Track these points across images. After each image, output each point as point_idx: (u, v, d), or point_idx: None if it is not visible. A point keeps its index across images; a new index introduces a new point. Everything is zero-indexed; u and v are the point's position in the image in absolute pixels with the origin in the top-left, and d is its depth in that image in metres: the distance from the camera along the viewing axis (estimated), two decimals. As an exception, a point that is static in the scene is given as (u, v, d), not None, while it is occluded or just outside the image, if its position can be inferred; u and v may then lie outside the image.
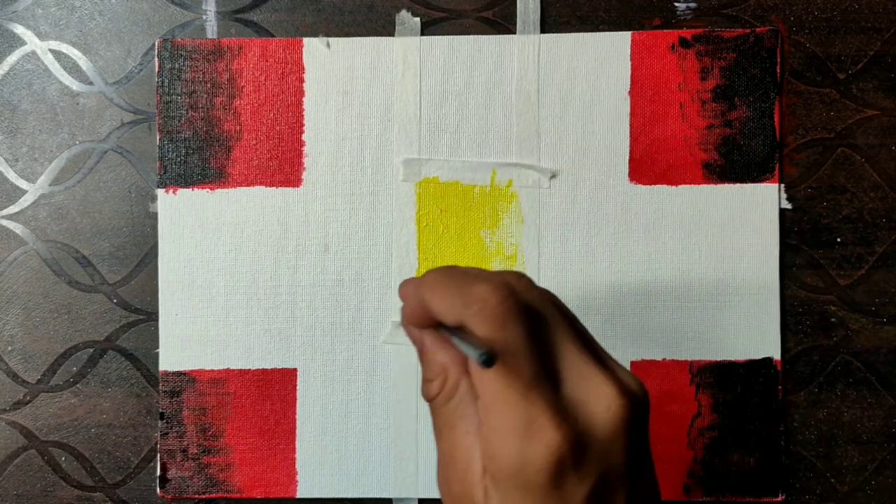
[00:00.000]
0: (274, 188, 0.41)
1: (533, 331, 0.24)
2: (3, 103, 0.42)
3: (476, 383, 0.25)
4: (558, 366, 0.25)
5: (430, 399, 0.27)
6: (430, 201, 0.41)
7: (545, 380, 0.24)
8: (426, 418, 0.41)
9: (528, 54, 0.41)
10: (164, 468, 0.41)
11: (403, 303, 0.28)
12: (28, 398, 0.42)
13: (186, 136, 0.41)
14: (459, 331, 0.25)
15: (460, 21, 0.42)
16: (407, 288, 0.28)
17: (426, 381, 0.27)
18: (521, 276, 0.26)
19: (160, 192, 0.41)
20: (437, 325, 0.27)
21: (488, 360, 0.22)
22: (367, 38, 0.41)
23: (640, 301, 0.41)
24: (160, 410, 0.41)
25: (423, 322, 0.27)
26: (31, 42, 0.42)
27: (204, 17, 0.42)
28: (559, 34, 0.41)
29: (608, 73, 0.41)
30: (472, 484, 0.25)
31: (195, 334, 0.41)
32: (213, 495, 0.41)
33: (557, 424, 0.23)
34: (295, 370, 0.41)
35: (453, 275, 0.26)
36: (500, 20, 0.41)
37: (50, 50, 0.42)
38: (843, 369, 0.41)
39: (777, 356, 0.41)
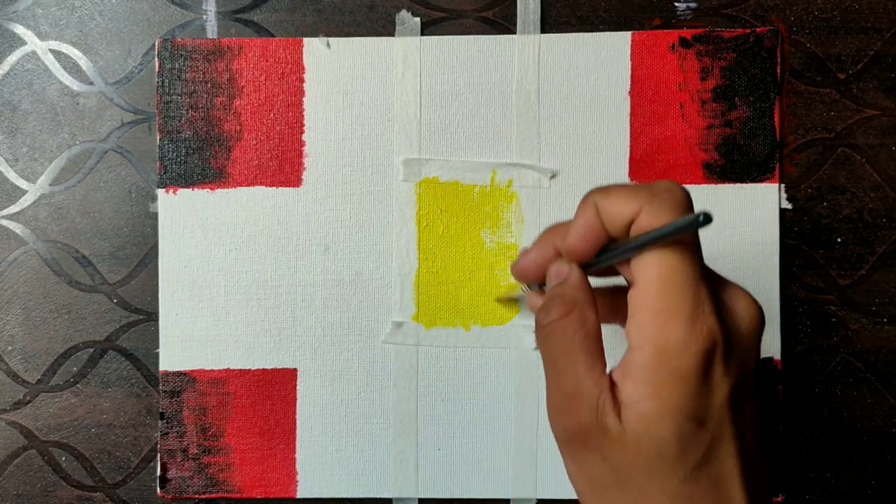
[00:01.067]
0: (274, 188, 0.41)
1: None
2: (4, 103, 0.42)
3: (641, 271, 0.25)
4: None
5: (547, 322, 0.27)
6: (430, 201, 0.41)
7: (708, 276, 0.25)
8: (427, 418, 0.41)
9: (528, 54, 0.41)
10: (164, 468, 0.41)
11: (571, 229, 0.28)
12: (28, 398, 0.42)
13: (186, 136, 0.41)
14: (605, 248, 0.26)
15: (460, 21, 0.42)
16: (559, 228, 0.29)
17: (546, 306, 0.27)
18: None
19: (160, 192, 0.41)
20: (584, 260, 0.27)
21: (707, 217, 0.23)
22: (368, 38, 0.41)
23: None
24: (160, 410, 0.41)
25: (592, 240, 0.27)
26: (32, 42, 0.42)
27: (204, 17, 0.42)
28: (559, 34, 0.41)
29: (608, 73, 0.41)
30: (605, 412, 0.25)
31: (195, 334, 0.41)
32: (214, 495, 0.41)
33: (718, 316, 0.25)
34: (295, 370, 0.41)
35: (624, 186, 0.27)
36: (501, 20, 0.41)
37: (50, 50, 0.42)
38: (844, 369, 0.41)
39: (777, 356, 0.41)
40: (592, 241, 0.27)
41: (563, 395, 0.26)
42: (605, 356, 0.26)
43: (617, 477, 0.25)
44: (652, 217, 0.25)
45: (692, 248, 0.25)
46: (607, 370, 0.26)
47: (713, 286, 0.26)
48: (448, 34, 0.41)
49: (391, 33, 0.41)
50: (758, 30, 0.41)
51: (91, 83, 0.42)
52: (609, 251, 0.27)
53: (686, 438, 0.24)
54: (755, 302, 0.26)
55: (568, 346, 0.26)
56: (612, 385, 0.25)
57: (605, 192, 0.26)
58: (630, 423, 0.24)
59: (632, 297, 0.25)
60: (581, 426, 0.25)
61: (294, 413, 0.41)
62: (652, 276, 0.25)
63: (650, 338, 0.24)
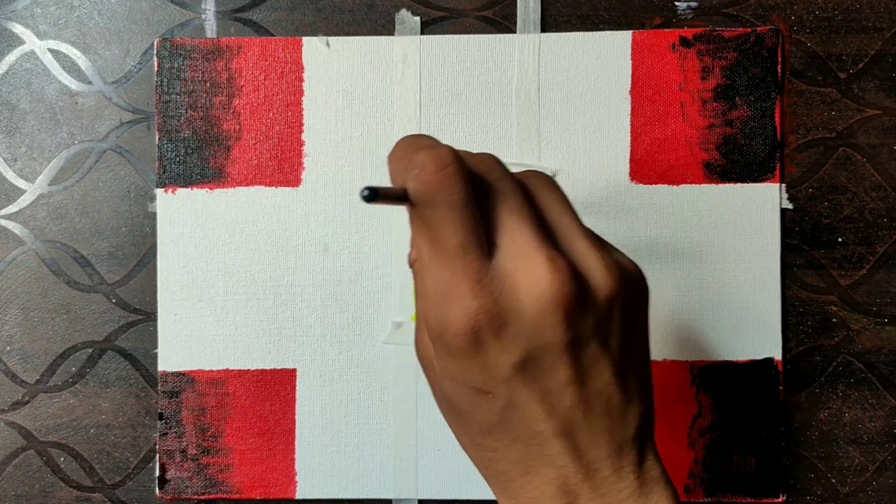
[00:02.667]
0: (273, 188, 0.41)
1: (475, 200, 0.24)
2: (2, 103, 0.42)
3: (413, 246, 0.26)
4: (498, 237, 0.25)
5: (410, 265, 0.27)
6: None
7: (475, 249, 0.24)
8: (426, 419, 0.41)
9: (528, 53, 0.41)
10: (163, 469, 0.41)
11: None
12: (27, 398, 0.42)
13: (185, 135, 0.41)
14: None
15: (460, 20, 0.41)
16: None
17: (410, 248, 0.28)
18: (488, 157, 0.26)
19: (159, 191, 0.41)
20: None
21: (368, 196, 0.22)
22: (367, 38, 0.41)
23: (641, 301, 0.41)
24: (159, 411, 0.41)
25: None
26: (30, 41, 0.42)
27: (203, 16, 0.42)
28: (560, 33, 0.41)
29: (609, 73, 0.41)
30: (429, 346, 0.26)
31: (194, 334, 0.41)
32: (213, 496, 0.41)
33: (475, 294, 0.24)
34: (294, 370, 0.41)
35: (410, 141, 0.26)
36: (501, 19, 0.41)
37: (49, 49, 0.42)
38: (845, 370, 0.41)
39: (778, 356, 0.41)
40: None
41: (416, 324, 0.28)
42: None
43: (441, 408, 0.27)
44: (409, 190, 0.24)
45: (452, 222, 0.24)
46: None
47: (501, 254, 0.24)
48: (448, 33, 0.41)
49: (391, 32, 0.41)
50: (758, 29, 0.41)
51: (90, 83, 0.42)
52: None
53: (468, 401, 0.25)
54: (550, 271, 0.24)
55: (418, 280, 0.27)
56: None
57: (391, 153, 0.26)
58: (437, 369, 0.26)
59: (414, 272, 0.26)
60: (418, 354, 0.28)
61: (293, 413, 0.41)
62: (418, 254, 0.25)
63: (423, 316, 0.25)
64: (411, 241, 0.27)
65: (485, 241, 0.25)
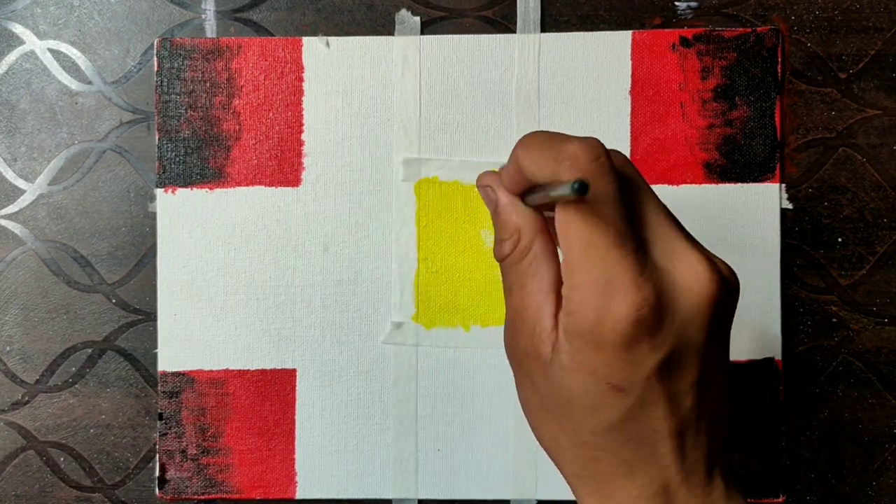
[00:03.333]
0: (273, 188, 0.41)
1: (623, 194, 0.25)
2: (2, 103, 0.42)
3: (562, 239, 0.25)
4: (647, 234, 0.25)
5: (501, 259, 0.27)
6: (429, 201, 0.41)
7: (632, 241, 0.24)
8: (427, 419, 0.41)
9: (528, 53, 0.41)
10: (162, 469, 0.41)
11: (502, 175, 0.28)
12: (26, 398, 0.42)
13: (185, 135, 0.41)
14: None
15: (460, 20, 0.41)
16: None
17: (499, 241, 0.27)
18: (620, 152, 0.27)
19: (159, 191, 0.41)
20: (524, 194, 0.27)
21: (582, 188, 0.21)
22: (367, 38, 0.41)
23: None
24: (159, 411, 0.41)
25: (516, 185, 0.27)
26: (30, 41, 0.42)
27: (203, 16, 0.42)
28: (559, 33, 0.41)
29: (609, 73, 0.41)
30: (541, 339, 0.25)
31: (194, 334, 0.41)
32: (213, 496, 0.41)
33: (639, 286, 0.23)
34: (294, 370, 0.41)
35: (547, 135, 0.26)
36: (501, 19, 0.41)
37: (49, 49, 0.42)
38: (845, 370, 0.41)
39: (778, 356, 0.41)
40: (519, 187, 0.27)
41: (511, 317, 0.27)
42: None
43: (542, 401, 0.26)
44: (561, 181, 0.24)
45: (609, 213, 0.24)
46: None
47: (653, 250, 0.25)
48: (448, 33, 0.41)
49: (391, 32, 0.41)
50: (758, 29, 0.41)
51: (90, 82, 0.42)
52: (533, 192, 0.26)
53: (596, 398, 0.24)
54: (712, 267, 0.25)
55: (517, 271, 0.27)
56: (559, 307, 0.25)
57: (525, 150, 0.26)
58: (560, 360, 0.25)
59: (563, 262, 0.25)
60: (519, 348, 0.26)
61: (293, 413, 0.41)
62: (569, 247, 0.24)
63: (572, 310, 0.24)
64: (502, 232, 0.27)
65: (638, 235, 0.25)
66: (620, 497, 0.25)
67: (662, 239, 0.25)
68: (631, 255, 0.24)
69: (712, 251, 0.40)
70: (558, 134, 0.26)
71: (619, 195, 0.24)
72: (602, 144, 0.24)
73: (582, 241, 0.24)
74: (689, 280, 0.24)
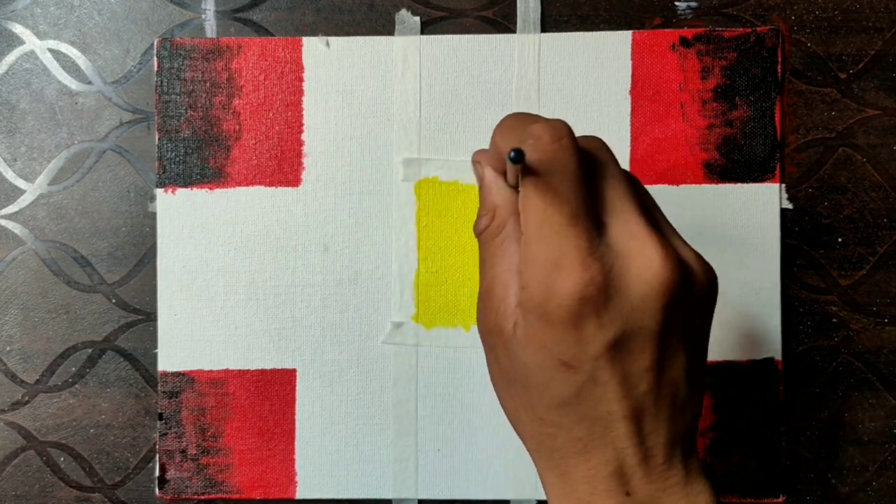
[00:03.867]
0: (273, 188, 0.41)
1: (585, 175, 0.25)
2: (2, 103, 0.42)
3: (521, 216, 0.26)
4: (608, 217, 0.26)
5: (478, 233, 0.28)
6: (429, 201, 0.41)
7: (587, 221, 0.25)
8: (426, 419, 0.41)
9: (528, 54, 0.41)
10: (162, 469, 0.41)
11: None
12: (26, 398, 0.42)
13: (185, 135, 0.41)
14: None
15: (460, 20, 0.41)
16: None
17: (478, 216, 0.28)
18: (598, 139, 0.27)
19: (159, 191, 0.41)
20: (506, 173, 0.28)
21: (517, 156, 0.23)
22: (367, 38, 0.41)
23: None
24: (159, 411, 0.41)
25: (496, 164, 0.28)
26: (30, 41, 0.42)
27: (203, 16, 0.42)
28: (559, 33, 0.41)
29: (609, 73, 0.41)
30: (504, 316, 0.26)
31: (194, 334, 0.41)
32: (212, 496, 0.41)
33: (587, 265, 0.24)
34: (294, 370, 0.41)
35: (519, 116, 0.27)
36: (501, 19, 0.41)
37: (49, 49, 0.42)
38: (845, 370, 0.41)
39: (778, 356, 0.41)
40: (499, 164, 0.28)
41: (481, 294, 0.28)
42: None
43: (505, 375, 0.27)
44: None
45: (565, 192, 0.25)
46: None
47: (610, 233, 0.25)
48: (448, 33, 0.41)
49: (391, 32, 0.41)
50: (758, 29, 0.41)
51: (90, 82, 0.42)
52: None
53: (548, 373, 0.25)
54: (668, 256, 0.25)
55: (489, 249, 0.27)
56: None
57: (500, 128, 0.27)
58: (517, 338, 0.26)
59: (523, 238, 0.26)
60: (487, 324, 0.27)
61: (293, 413, 0.41)
62: (526, 223, 0.25)
63: (525, 284, 0.25)
64: (482, 208, 0.28)
65: (595, 216, 0.25)
66: (576, 475, 0.26)
67: (621, 222, 0.25)
68: (584, 235, 0.24)
69: (712, 251, 0.40)
70: (530, 115, 0.27)
71: (581, 176, 0.25)
72: (567, 126, 0.25)
73: (537, 217, 0.25)
74: (640, 265, 0.25)
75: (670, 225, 0.28)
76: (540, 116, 0.26)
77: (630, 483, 0.26)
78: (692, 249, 0.27)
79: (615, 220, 0.25)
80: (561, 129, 0.25)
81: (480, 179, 0.28)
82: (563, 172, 0.25)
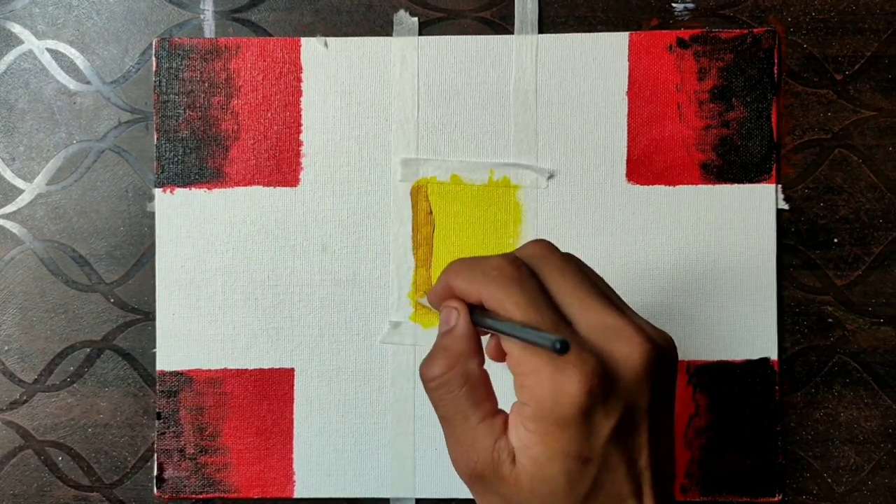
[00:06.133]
0: (271, 188, 0.41)
1: (543, 288, 0.28)
2: (1, 102, 0.42)
3: (504, 344, 0.27)
4: (570, 312, 0.27)
5: (430, 377, 0.29)
6: (427, 201, 0.41)
7: (564, 325, 0.27)
8: (424, 418, 0.41)
9: (526, 54, 0.41)
10: (161, 468, 0.41)
11: (431, 293, 0.31)
12: (25, 398, 0.42)
13: (184, 135, 0.41)
14: (482, 313, 0.28)
15: (458, 21, 0.42)
16: (435, 286, 0.30)
17: (432, 360, 0.29)
18: (536, 243, 0.29)
19: (157, 191, 0.41)
20: (474, 324, 0.29)
21: (563, 346, 0.24)
22: (365, 38, 0.41)
23: (637, 301, 0.41)
24: (157, 410, 0.41)
25: (440, 303, 0.30)
26: (29, 41, 0.42)
27: (202, 16, 0.42)
28: (557, 34, 0.41)
29: (606, 74, 0.41)
30: (500, 460, 0.27)
31: (192, 334, 0.41)
32: (210, 495, 0.41)
33: (584, 360, 0.26)
34: (292, 370, 0.41)
35: (470, 259, 0.29)
36: (498, 20, 0.41)
37: (47, 49, 0.42)
38: (840, 370, 0.41)
39: (774, 356, 0.41)
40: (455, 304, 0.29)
41: (460, 447, 0.28)
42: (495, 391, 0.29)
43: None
44: (493, 302, 0.27)
45: (544, 307, 0.27)
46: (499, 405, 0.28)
47: (580, 329, 0.27)
48: (446, 34, 0.41)
49: (389, 33, 0.41)
50: (755, 30, 0.41)
51: (88, 82, 0.42)
52: (482, 318, 0.28)
53: (573, 475, 0.26)
54: (643, 341, 0.27)
55: (455, 402, 0.28)
56: (506, 426, 0.27)
57: (455, 272, 0.29)
58: (524, 466, 0.27)
59: (509, 362, 0.27)
60: (480, 472, 0.27)
61: (291, 413, 0.41)
62: (513, 347, 0.27)
63: (527, 399, 0.26)
64: (441, 354, 0.29)
65: (563, 317, 0.27)
66: None
67: (587, 314, 0.27)
68: (569, 336, 0.26)
69: (709, 252, 0.40)
70: (477, 257, 0.29)
71: (540, 290, 0.27)
72: (516, 256, 0.28)
73: (517, 341, 0.27)
74: (625, 351, 0.26)
75: (619, 298, 0.29)
76: (487, 257, 0.28)
77: None
78: (648, 322, 0.28)
79: (580, 315, 0.27)
80: (516, 259, 0.28)
81: (449, 325, 0.29)
82: (532, 291, 0.27)
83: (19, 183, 0.42)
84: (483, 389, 0.28)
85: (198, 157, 0.41)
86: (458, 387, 0.28)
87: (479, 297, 0.28)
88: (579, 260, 0.29)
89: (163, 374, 0.41)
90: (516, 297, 0.27)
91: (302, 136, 0.41)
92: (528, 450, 0.26)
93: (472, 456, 0.28)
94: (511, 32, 0.41)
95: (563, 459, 0.26)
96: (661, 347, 0.27)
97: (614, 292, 0.29)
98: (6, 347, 0.42)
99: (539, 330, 0.26)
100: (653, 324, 0.28)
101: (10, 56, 0.42)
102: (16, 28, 0.42)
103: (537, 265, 0.28)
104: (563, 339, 0.24)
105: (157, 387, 0.41)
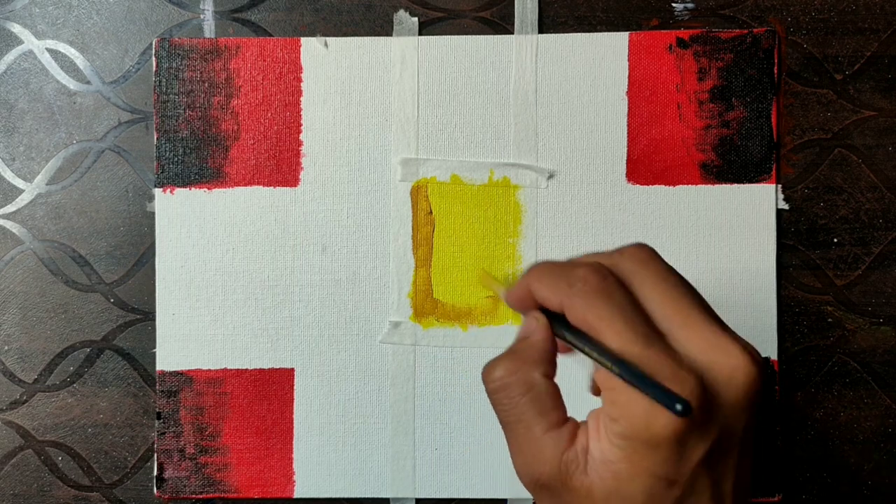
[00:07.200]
0: (271, 188, 0.41)
1: (633, 299, 0.26)
2: (0, 102, 0.42)
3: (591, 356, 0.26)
4: (670, 327, 0.25)
5: (493, 379, 0.27)
6: (427, 201, 0.41)
7: (659, 341, 0.25)
8: (423, 418, 0.41)
9: (525, 54, 0.41)
10: (160, 468, 0.41)
11: (511, 294, 0.29)
12: (25, 398, 0.42)
13: (184, 135, 0.41)
14: (565, 327, 0.26)
15: (458, 21, 0.42)
16: (512, 291, 0.29)
17: (498, 363, 0.27)
18: (632, 247, 0.27)
19: (157, 191, 0.41)
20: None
21: (686, 409, 0.23)
22: (365, 38, 0.41)
23: (638, 301, 0.41)
24: (157, 410, 0.41)
25: (521, 307, 0.28)
26: (29, 41, 0.42)
27: (202, 16, 0.42)
28: (557, 34, 0.41)
29: (606, 74, 0.41)
30: (568, 472, 0.25)
31: (192, 334, 0.41)
32: (210, 495, 0.41)
33: (682, 380, 0.24)
34: (292, 370, 0.41)
35: (554, 264, 0.27)
36: (498, 20, 0.41)
37: (47, 49, 0.42)
38: (840, 370, 0.41)
39: (774, 356, 0.41)
40: (524, 307, 0.28)
41: (524, 456, 0.26)
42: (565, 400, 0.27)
43: None
44: (576, 316, 0.25)
45: (637, 319, 0.25)
46: (571, 415, 0.27)
47: (682, 343, 0.25)
48: (446, 34, 0.41)
49: (389, 33, 0.41)
50: (755, 30, 0.41)
51: (88, 82, 0.42)
52: (565, 333, 0.27)
53: (655, 497, 0.25)
54: (748, 360, 0.25)
55: (516, 409, 0.27)
56: (575, 435, 0.26)
57: (537, 278, 0.27)
58: (603, 480, 0.25)
59: (596, 374, 0.26)
60: (547, 482, 0.26)
61: (291, 413, 0.41)
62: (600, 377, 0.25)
63: (622, 413, 0.25)
64: (511, 358, 0.27)
65: (659, 332, 0.25)
66: None
67: (688, 330, 0.25)
68: (665, 351, 0.24)
69: (709, 252, 0.40)
70: (563, 262, 0.27)
71: (634, 302, 0.25)
72: (603, 265, 0.26)
73: (617, 348, 0.25)
74: (728, 370, 0.24)
75: (716, 314, 0.27)
76: (574, 260, 0.27)
77: None
78: (744, 340, 0.26)
79: (679, 329, 0.25)
80: (602, 269, 0.26)
81: (527, 335, 0.28)
82: (622, 302, 0.25)
83: (19, 183, 0.42)
84: (550, 400, 0.27)
85: (198, 157, 0.41)
86: (519, 394, 0.27)
87: (562, 308, 0.26)
88: (679, 274, 0.27)
89: (163, 374, 0.41)
90: (602, 311, 0.25)
91: (302, 136, 0.41)
92: (611, 465, 0.25)
93: (536, 467, 0.26)
94: (511, 32, 0.41)
95: (647, 480, 0.25)
96: (761, 369, 0.25)
97: (705, 301, 0.27)
98: (6, 347, 0.42)
99: (651, 378, 0.24)
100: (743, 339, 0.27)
101: (10, 56, 0.42)
102: (16, 28, 0.42)
103: (631, 271, 0.26)
104: (687, 403, 0.23)
105: (157, 387, 0.41)
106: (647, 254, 0.27)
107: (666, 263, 0.27)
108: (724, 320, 0.40)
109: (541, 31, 0.41)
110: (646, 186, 0.41)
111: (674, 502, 0.25)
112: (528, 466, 0.26)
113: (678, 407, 0.23)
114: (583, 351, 0.26)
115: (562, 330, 0.26)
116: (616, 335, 0.25)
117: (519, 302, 0.28)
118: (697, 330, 0.25)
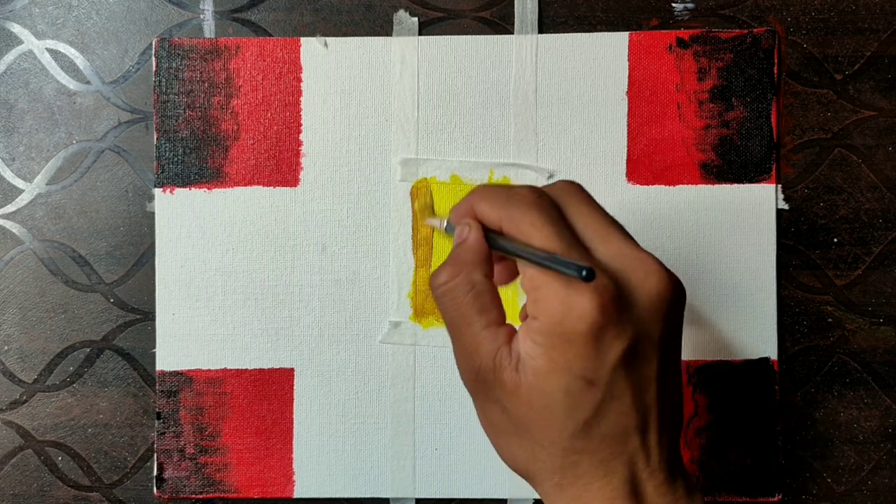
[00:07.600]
0: (271, 188, 0.41)
1: (563, 216, 0.28)
2: (0, 102, 0.42)
3: (519, 264, 0.28)
4: (589, 243, 0.27)
5: (437, 285, 0.29)
6: (427, 201, 0.41)
7: (580, 247, 0.27)
8: (423, 418, 0.41)
9: (525, 54, 0.41)
10: (160, 468, 0.41)
11: (452, 212, 0.30)
12: (24, 398, 0.42)
13: (184, 135, 0.41)
14: (501, 237, 0.28)
15: (458, 21, 0.42)
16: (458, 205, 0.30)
17: (440, 270, 0.29)
18: (560, 183, 0.30)
19: (157, 191, 0.41)
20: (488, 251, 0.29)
21: (590, 274, 0.24)
22: (365, 38, 0.41)
23: (638, 301, 0.41)
24: (157, 410, 0.41)
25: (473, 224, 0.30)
26: (28, 41, 0.42)
27: (201, 16, 0.42)
28: (557, 34, 0.41)
29: (606, 74, 0.41)
30: (502, 366, 0.27)
31: (192, 334, 0.41)
32: (210, 495, 0.41)
33: (599, 278, 0.25)
34: (292, 370, 0.41)
35: (496, 185, 0.30)
36: (498, 20, 0.41)
37: (47, 49, 0.42)
38: (840, 370, 0.41)
39: (774, 356, 0.41)
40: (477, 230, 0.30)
41: (465, 352, 0.28)
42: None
43: (514, 424, 0.27)
44: (512, 225, 0.27)
45: (562, 228, 0.27)
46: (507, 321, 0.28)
47: (598, 254, 0.27)
48: (446, 34, 0.41)
49: (389, 33, 0.41)
50: (755, 30, 0.41)
51: (88, 82, 0.42)
52: (498, 241, 0.28)
53: (574, 395, 0.26)
54: (662, 270, 0.27)
55: (459, 308, 0.28)
56: (511, 337, 0.27)
57: (479, 196, 0.29)
58: (525, 377, 0.26)
59: (523, 281, 0.27)
60: (483, 379, 0.28)
61: (291, 413, 0.41)
62: (525, 263, 0.27)
63: (538, 312, 0.26)
64: (449, 264, 0.29)
65: (581, 242, 0.27)
66: (598, 501, 0.27)
67: (605, 244, 0.27)
68: (585, 255, 0.27)
69: (709, 252, 0.40)
70: (503, 185, 0.30)
71: (561, 216, 0.27)
72: (540, 188, 0.28)
73: (542, 248, 0.27)
74: (641, 276, 0.26)
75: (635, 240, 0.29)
76: (511, 185, 0.29)
77: (645, 499, 0.26)
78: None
79: (600, 244, 0.27)
80: (537, 188, 0.28)
81: (463, 239, 0.29)
82: (551, 213, 0.27)
83: (19, 183, 0.42)
84: (489, 298, 0.28)
85: (198, 157, 0.41)
86: (462, 293, 0.28)
87: (500, 221, 0.28)
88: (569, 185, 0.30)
89: (163, 374, 0.41)
90: (534, 218, 0.27)
91: (302, 136, 0.41)
92: (532, 360, 0.26)
93: (475, 360, 0.28)
94: (511, 32, 0.41)
95: (564, 375, 0.26)
96: (676, 282, 0.27)
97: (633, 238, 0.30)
98: (6, 347, 0.42)
99: (563, 257, 0.26)
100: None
101: (10, 56, 0.42)
102: (16, 28, 0.42)
103: (560, 195, 0.28)
104: (590, 267, 0.24)
105: (157, 387, 0.41)
106: (576, 187, 0.29)
107: (592, 197, 0.29)
108: (724, 320, 0.40)
109: (541, 31, 0.41)
110: (646, 186, 0.41)
111: (595, 405, 0.26)
112: (467, 361, 0.28)
113: (583, 273, 0.24)
114: (513, 253, 0.27)
115: (496, 240, 0.28)
116: (545, 238, 0.26)
117: (460, 218, 0.30)
118: (617, 245, 0.27)
